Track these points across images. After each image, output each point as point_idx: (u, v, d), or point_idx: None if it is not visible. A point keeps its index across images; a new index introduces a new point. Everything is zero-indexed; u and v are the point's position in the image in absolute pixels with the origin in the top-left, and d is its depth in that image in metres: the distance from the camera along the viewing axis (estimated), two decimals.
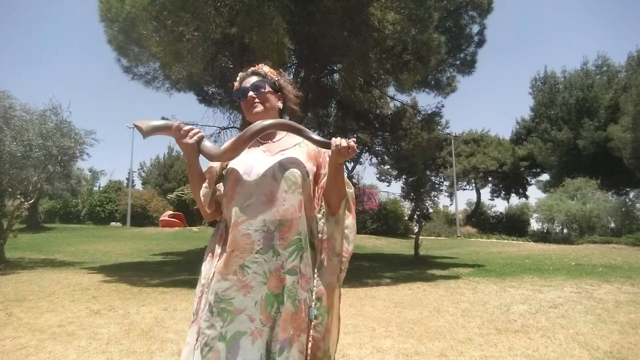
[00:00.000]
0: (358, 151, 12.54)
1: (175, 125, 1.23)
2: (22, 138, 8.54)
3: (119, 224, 24.96)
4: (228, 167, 1.29)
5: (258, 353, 1.11)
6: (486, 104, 66.08)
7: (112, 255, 11.86)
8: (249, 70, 1.42)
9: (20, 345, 3.17)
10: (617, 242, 15.66)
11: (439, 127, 14.19)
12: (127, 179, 28.62)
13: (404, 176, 27.70)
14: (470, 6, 10.53)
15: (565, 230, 21.03)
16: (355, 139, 1.22)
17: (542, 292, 5.66)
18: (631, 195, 21.85)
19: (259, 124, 1.25)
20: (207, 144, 1.27)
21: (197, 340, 1.17)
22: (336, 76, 11.65)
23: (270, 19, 6.70)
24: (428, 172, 28.54)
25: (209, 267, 1.26)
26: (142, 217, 24.97)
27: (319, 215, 1.31)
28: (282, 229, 1.19)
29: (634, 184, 20.78)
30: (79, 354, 3.00)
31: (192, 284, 5.64)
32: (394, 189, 44.73)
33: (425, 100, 62.46)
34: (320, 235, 1.30)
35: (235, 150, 1.24)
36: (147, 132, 1.23)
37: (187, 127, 1.24)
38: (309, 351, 1.19)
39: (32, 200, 10.42)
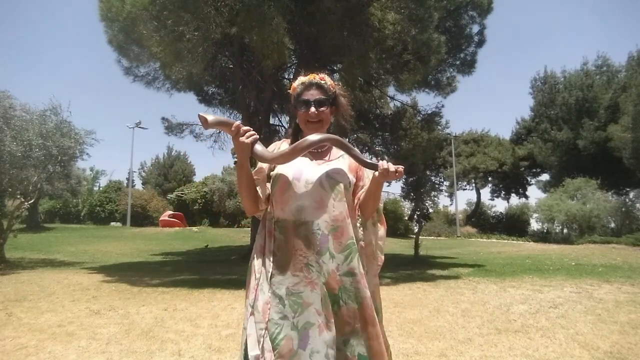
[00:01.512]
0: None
1: (236, 124, 1.29)
2: (22, 138, 8.53)
3: (119, 224, 24.96)
4: (277, 170, 1.38)
5: (324, 344, 1.22)
6: (486, 104, 66.06)
7: (112, 255, 11.86)
8: (312, 78, 1.45)
9: (20, 345, 3.17)
10: (617, 242, 15.67)
11: (439, 127, 14.20)
12: (127, 179, 28.64)
13: (404, 176, 27.69)
14: (470, 6, 10.53)
15: (565, 230, 21.04)
16: (403, 167, 1.33)
17: (542, 292, 5.66)
18: (631, 195, 21.88)
19: (314, 137, 1.33)
20: (259, 147, 1.33)
21: (263, 329, 1.25)
22: (336, 76, 11.64)
23: (271, 19, 6.70)
24: (428, 172, 28.56)
25: (261, 262, 1.35)
26: (142, 217, 24.98)
27: (358, 224, 1.42)
28: (336, 234, 1.30)
29: (634, 184, 20.78)
30: (79, 354, 3.00)
31: (192, 284, 5.66)
32: (394, 189, 44.71)
33: (425, 100, 62.47)
34: (362, 242, 1.41)
35: (287, 157, 1.33)
36: (210, 125, 1.29)
37: (245, 128, 1.30)
38: (379, 343, 1.30)
39: (32, 200, 10.41)
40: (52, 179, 10.68)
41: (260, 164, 1.41)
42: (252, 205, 1.39)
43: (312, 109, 1.40)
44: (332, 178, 1.34)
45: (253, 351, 1.24)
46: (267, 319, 1.26)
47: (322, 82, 1.44)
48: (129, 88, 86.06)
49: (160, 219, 22.48)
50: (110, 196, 27.13)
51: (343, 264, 1.29)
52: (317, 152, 1.42)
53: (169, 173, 33.30)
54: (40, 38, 63.06)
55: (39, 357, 2.94)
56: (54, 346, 3.16)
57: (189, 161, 34.86)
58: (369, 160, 1.37)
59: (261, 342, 1.24)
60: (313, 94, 1.42)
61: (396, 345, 3.23)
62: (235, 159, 1.35)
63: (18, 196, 9.50)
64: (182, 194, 25.80)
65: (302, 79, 1.47)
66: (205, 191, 24.88)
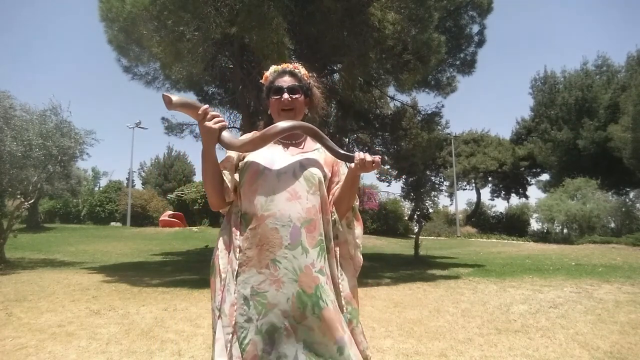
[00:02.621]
0: (358, 151, 12.56)
1: (203, 107, 1.21)
2: (22, 138, 8.53)
3: (119, 224, 24.94)
4: (246, 159, 1.30)
5: (293, 348, 1.12)
6: (486, 104, 66.14)
7: (112, 255, 11.86)
8: (285, 67, 1.40)
9: (20, 345, 3.17)
10: (617, 242, 15.65)
11: (439, 127, 14.18)
12: (127, 179, 28.63)
13: (404, 176, 27.70)
14: (470, 6, 10.53)
15: (565, 230, 21.03)
16: (380, 157, 1.24)
17: (542, 292, 5.66)
18: (631, 195, 21.87)
19: (286, 123, 1.26)
20: (227, 134, 1.25)
21: (230, 334, 1.16)
22: (336, 76, 11.63)
23: (271, 19, 6.70)
24: (428, 172, 28.51)
25: (226, 261, 1.26)
26: (142, 217, 24.96)
27: (332, 219, 1.32)
28: (309, 227, 1.20)
29: (634, 184, 20.77)
30: (79, 354, 3.00)
31: (192, 284, 5.66)
32: (394, 189, 44.71)
33: (425, 100, 62.44)
34: (336, 240, 1.31)
35: (257, 144, 1.25)
36: (174, 106, 1.19)
37: (213, 113, 1.22)
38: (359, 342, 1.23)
39: (32, 200, 10.42)
40: (52, 179, 10.68)
41: (229, 153, 1.32)
42: (217, 198, 1.29)
43: (285, 95, 1.33)
44: (306, 169, 1.25)
45: (220, 357, 1.15)
46: (233, 322, 1.17)
47: (296, 70, 1.39)
48: (129, 88, 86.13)
49: (160, 219, 22.46)
50: (110, 196, 27.11)
51: (317, 260, 1.19)
52: (292, 142, 1.35)
53: (169, 173, 33.29)
54: (40, 38, 63.13)
55: (39, 357, 2.94)
56: (54, 346, 3.16)
57: (189, 161, 34.87)
58: (343, 151, 1.29)
59: (229, 348, 1.15)
60: (286, 81, 1.35)
61: (396, 345, 3.23)
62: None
63: (18, 196, 9.50)
64: (182, 194, 25.79)
65: (274, 67, 1.41)
66: (205, 191, 24.85)
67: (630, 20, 51.22)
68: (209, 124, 1.20)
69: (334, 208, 1.32)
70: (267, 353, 1.12)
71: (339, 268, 1.29)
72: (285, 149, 1.33)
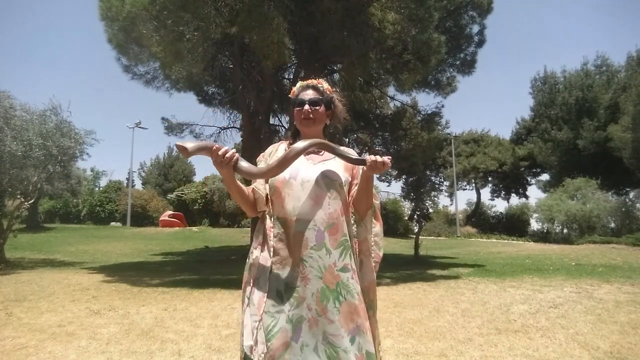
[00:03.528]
0: (358, 151, 12.64)
1: (215, 147, 1.30)
2: (22, 138, 8.54)
3: (119, 224, 24.95)
4: None
5: (314, 339, 1.26)
6: (486, 104, 65.90)
7: (112, 255, 11.86)
8: (310, 82, 1.55)
9: (20, 345, 3.17)
10: (617, 242, 15.65)
11: (439, 127, 14.20)
12: (127, 179, 28.64)
13: (404, 176, 27.70)
14: (470, 6, 10.53)
15: (565, 230, 21.03)
16: (390, 157, 1.36)
17: (542, 292, 5.66)
18: (631, 195, 21.86)
19: (302, 144, 1.37)
20: (245, 164, 1.35)
21: (257, 321, 1.31)
22: (336, 76, 11.63)
23: (271, 19, 6.70)
24: (428, 172, 28.55)
25: (260, 258, 1.40)
26: (142, 217, 24.97)
27: (352, 221, 1.47)
28: (331, 230, 1.34)
29: (634, 184, 20.77)
30: (79, 354, 3.00)
31: (192, 284, 5.65)
32: (394, 189, 44.77)
33: (425, 100, 62.51)
34: (355, 239, 1.46)
35: (278, 169, 1.35)
36: (190, 153, 1.26)
37: (223, 150, 1.30)
38: (375, 335, 1.37)
39: (32, 200, 10.42)
40: (52, 179, 10.68)
41: (259, 165, 1.48)
42: (249, 209, 1.46)
43: (306, 106, 1.47)
44: (327, 177, 1.39)
45: (247, 341, 1.30)
46: (261, 312, 1.31)
47: (319, 85, 1.53)
48: (129, 88, 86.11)
49: (160, 219, 22.47)
50: (110, 196, 27.11)
51: (339, 259, 1.33)
52: (313, 151, 1.46)
53: (169, 173, 33.31)
54: (40, 38, 63.09)
55: (39, 357, 2.94)
56: (54, 346, 3.16)
57: (189, 161, 34.84)
58: (355, 157, 1.40)
59: (255, 334, 1.29)
60: (308, 94, 1.50)
61: (396, 345, 3.23)
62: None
63: (18, 196, 9.50)
64: (182, 194, 25.80)
65: (301, 82, 1.56)
66: (205, 191, 24.87)
67: (630, 20, 51.17)
68: (222, 160, 1.30)
69: (353, 208, 1.46)
70: (295, 341, 1.26)
71: (358, 264, 1.43)
72: (308, 158, 1.46)
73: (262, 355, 1.26)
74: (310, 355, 1.25)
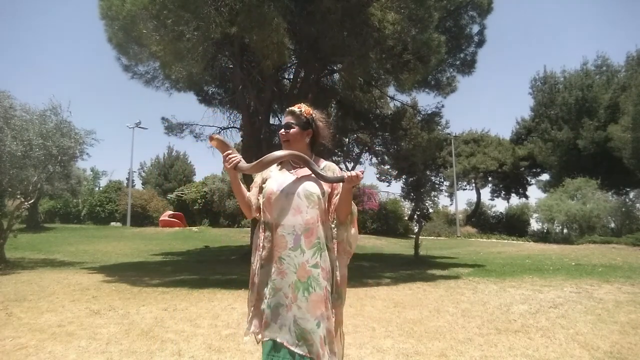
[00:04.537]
0: (358, 151, 12.68)
1: (227, 152, 1.69)
2: (22, 138, 8.53)
3: (119, 224, 24.93)
4: (267, 182, 1.75)
5: (289, 320, 1.57)
6: (486, 104, 65.90)
7: (112, 255, 11.86)
8: (290, 108, 1.83)
9: (20, 345, 3.17)
10: (617, 242, 15.63)
11: (439, 127, 14.21)
12: (127, 179, 28.62)
13: (404, 176, 27.71)
14: (470, 6, 10.52)
15: (565, 230, 21.02)
16: (363, 170, 1.67)
17: (542, 292, 5.66)
18: (631, 195, 21.84)
19: (280, 153, 1.70)
20: (243, 164, 1.70)
21: (252, 307, 1.69)
22: (336, 76, 11.64)
23: (271, 19, 6.70)
24: (428, 172, 28.55)
25: (256, 258, 1.71)
26: (142, 217, 24.96)
27: (332, 225, 1.74)
28: (307, 234, 1.62)
29: (634, 184, 20.76)
30: (79, 354, 3.00)
31: (192, 284, 5.66)
32: (394, 189, 44.74)
33: (425, 100, 62.54)
34: (334, 240, 1.73)
35: (259, 168, 1.71)
36: (215, 139, 1.72)
37: (230, 157, 1.68)
38: (333, 322, 1.64)
39: (32, 200, 10.41)
40: (52, 179, 10.68)
41: (255, 177, 1.82)
42: (246, 211, 1.79)
43: (282, 130, 1.78)
44: (307, 190, 1.66)
45: (247, 324, 1.70)
46: (254, 300, 1.68)
47: (297, 109, 1.80)
48: (129, 88, 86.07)
49: (160, 219, 22.45)
50: (110, 196, 27.09)
51: (312, 258, 1.61)
52: (300, 166, 1.75)
53: (169, 173, 33.29)
54: (40, 38, 63.08)
55: (39, 357, 2.94)
56: (54, 346, 3.16)
57: (189, 161, 34.87)
58: (332, 177, 1.68)
59: (250, 317, 1.69)
60: (286, 119, 1.80)
61: (396, 345, 3.23)
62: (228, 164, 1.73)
63: (18, 196, 9.49)
64: (182, 194, 25.79)
65: (286, 110, 1.87)
66: (205, 191, 24.86)
67: (630, 20, 51.18)
68: (225, 162, 1.69)
69: (335, 214, 1.73)
70: (274, 322, 1.59)
71: (336, 261, 1.71)
72: (294, 172, 1.75)
73: (251, 333, 1.67)
74: (286, 334, 1.56)
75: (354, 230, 1.78)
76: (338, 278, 1.69)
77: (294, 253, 1.60)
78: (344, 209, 1.71)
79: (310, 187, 1.68)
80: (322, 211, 1.68)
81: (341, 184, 1.70)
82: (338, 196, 1.72)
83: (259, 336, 1.63)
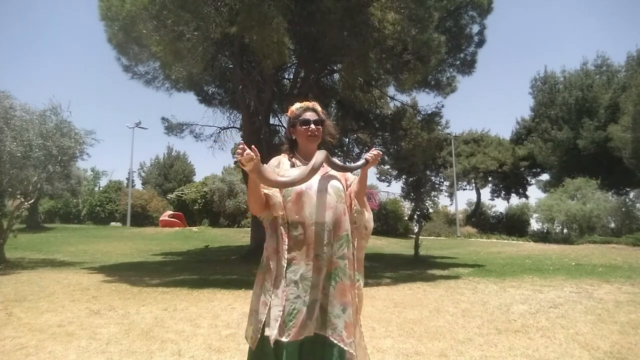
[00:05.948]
0: (358, 151, 12.70)
1: (239, 147, 1.53)
2: (22, 138, 8.52)
3: (119, 224, 24.93)
4: None
5: (317, 309, 1.61)
6: (486, 104, 65.78)
7: (112, 255, 11.85)
8: (309, 104, 1.83)
9: (20, 345, 3.17)
10: (617, 242, 15.62)
11: (439, 127, 14.18)
12: (127, 179, 28.61)
13: (404, 176, 27.73)
14: (470, 6, 10.52)
15: (565, 230, 21.02)
16: (379, 151, 1.78)
17: (542, 292, 5.66)
18: (631, 195, 21.85)
19: (318, 162, 1.63)
20: (271, 174, 1.58)
21: (281, 311, 1.56)
22: (336, 76, 11.63)
23: (271, 19, 6.70)
24: (428, 172, 28.57)
25: (276, 261, 1.64)
26: (142, 217, 24.96)
27: (354, 214, 1.80)
28: (336, 227, 1.66)
29: (634, 184, 20.76)
30: (79, 354, 3.00)
31: (192, 284, 5.65)
32: (394, 189, 44.67)
33: (425, 100, 62.35)
34: (355, 224, 1.79)
35: (307, 178, 1.61)
36: (253, 170, 1.54)
37: (247, 152, 1.46)
38: (356, 306, 1.74)
39: (32, 200, 10.41)
40: (52, 179, 10.68)
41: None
42: (260, 208, 1.68)
43: (312, 126, 1.77)
44: (334, 186, 1.71)
45: (274, 329, 1.55)
46: (284, 302, 1.58)
47: (316, 107, 1.82)
48: (129, 88, 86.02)
49: (160, 219, 22.44)
50: (110, 196, 27.09)
51: (339, 250, 1.66)
52: (322, 166, 1.76)
53: (169, 173, 33.29)
54: (40, 37, 63.06)
55: (39, 357, 2.94)
56: (54, 346, 3.16)
57: (189, 161, 34.88)
58: (355, 165, 1.78)
59: (279, 321, 1.56)
60: (312, 115, 1.80)
61: (396, 345, 3.23)
62: (235, 160, 1.54)
63: (18, 196, 9.49)
64: (182, 194, 25.80)
65: (299, 104, 1.84)
66: (205, 191, 24.87)
67: (630, 20, 51.15)
68: (247, 168, 1.51)
69: (355, 201, 1.79)
70: (310, 319, 1.58)
71: (355, 245, 1.78)
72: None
73: (288, 334, 1.55)
74: (313, 324, 1.58)
75: (367, 214, 1.85)
76: (359, 260, 1.79)
77: (327, 248, 1.63)
78: (361, 190, 1.80)
79: (336, 182, 1.74)
80: (348, 205, 1.75)
81: (352, 173, 1.78)
82: (354, 182, 1.82)
83: (283, 338, 1.54)
